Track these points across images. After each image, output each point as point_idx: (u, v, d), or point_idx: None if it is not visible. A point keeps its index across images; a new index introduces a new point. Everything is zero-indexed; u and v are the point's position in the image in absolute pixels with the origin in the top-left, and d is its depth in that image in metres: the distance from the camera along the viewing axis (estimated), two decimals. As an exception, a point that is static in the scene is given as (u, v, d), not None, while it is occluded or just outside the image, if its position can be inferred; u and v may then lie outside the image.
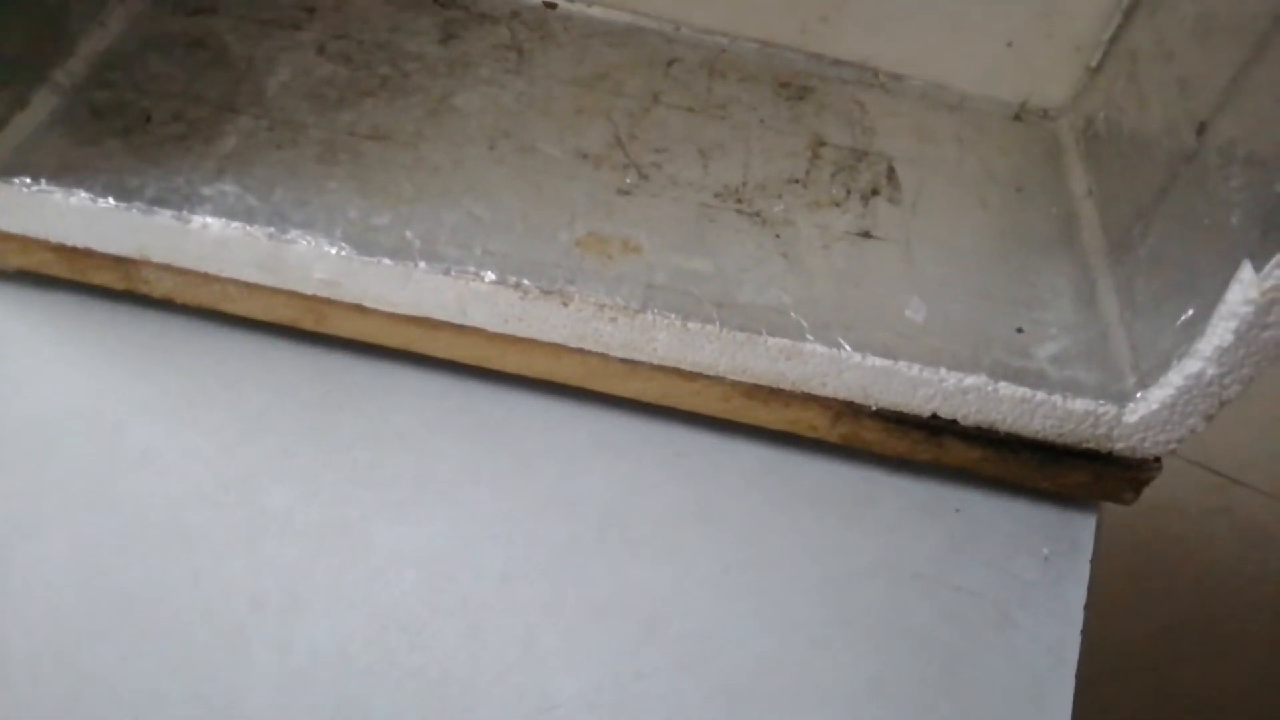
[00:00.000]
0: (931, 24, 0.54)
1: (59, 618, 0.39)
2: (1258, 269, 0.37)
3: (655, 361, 0.44)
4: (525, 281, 0.43)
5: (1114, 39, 0.52)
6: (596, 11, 0.56)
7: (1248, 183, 0.39)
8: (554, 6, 0.56)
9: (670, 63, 0.54)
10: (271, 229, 0.42)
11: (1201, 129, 0.43)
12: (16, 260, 0.46)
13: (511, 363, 0.46)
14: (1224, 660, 1.08)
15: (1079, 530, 0.48)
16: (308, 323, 0.46)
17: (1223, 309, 0.39)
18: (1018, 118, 0.56)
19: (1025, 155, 0.54)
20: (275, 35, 0.51)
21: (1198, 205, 0.42)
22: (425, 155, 0.47)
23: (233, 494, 0.43)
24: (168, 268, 0.44)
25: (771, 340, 0.43)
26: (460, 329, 0.44)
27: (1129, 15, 0.51)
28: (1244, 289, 0.38)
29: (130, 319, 0.47)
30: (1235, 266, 0.38)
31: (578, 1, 0.56)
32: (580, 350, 0.44)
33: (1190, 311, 0.41)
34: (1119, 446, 0.44)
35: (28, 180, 0.43)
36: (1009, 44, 0.54)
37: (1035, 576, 0.46)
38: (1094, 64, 0.54)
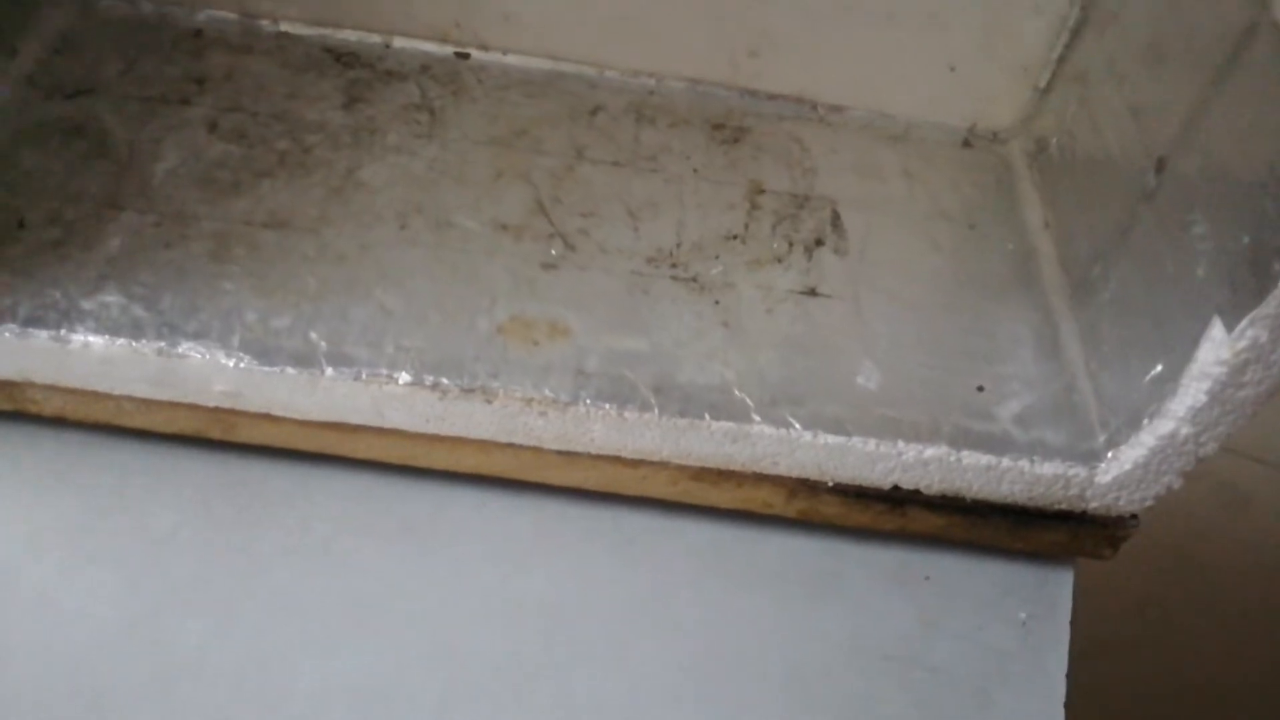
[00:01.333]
0: (869, 51, 0.51)
1: (-48, 796, 0.35)
2: (1229, 327, 0.34)
3: (593, 451, 0.41)
4: (443, 380, 0.39)
5: (1062, 59, 0.49)
6: (513, 60, 0.52)
7: (1213, 231, 0.36)
8: (466, 56, 0.52)
9: (594, 111, 0.51)
10: (161, 343, 0.39)
11: (1161, 166, 0.40)
12: (-113, 388, 0.42)
13: (438, 459, 0.42)
14: (1207, 624, 1.07)
15: (1056, 588, 0.45)
16: (215, 433, 0.42)
17: (1194, 369, 0.36)
18: (967, 144, 0.53)
19: (977, 186, 0.50)
20: (161, 114, 0.47)
21: (1161, 251, 0.39)
22: (329, 242, 0.43)
23: (141, 635, 0.39)
24: (54, 387, 0.40)
25: (716, 424, 0.40)
26: (379, 431, 0.41)
27: (1076, 34, 0.48)
28: (1215, 348, 0.35)
29: (21, 439, 0.43)
30: (1204, 321, 0.35)
31: (492, 50, 0.52)
32: (511, 445, 0.41)
33: (1159, 367, 0.38)
34: (1093, 506, 0.41)
35: (-114, 307, 0.39)
36: (952, 68, 0.51)
37: (1013, 646, 0.43)
38: (1043, 84, 0.51)
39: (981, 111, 0.52)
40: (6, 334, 0.38)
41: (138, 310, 0.40)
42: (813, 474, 0.41)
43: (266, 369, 0.39)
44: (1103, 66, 0.46)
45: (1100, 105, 0.45)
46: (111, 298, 0.40)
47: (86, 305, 0.40)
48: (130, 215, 0.43)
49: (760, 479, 0.41)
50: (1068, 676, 0.43)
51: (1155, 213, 0.40)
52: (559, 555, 0.43)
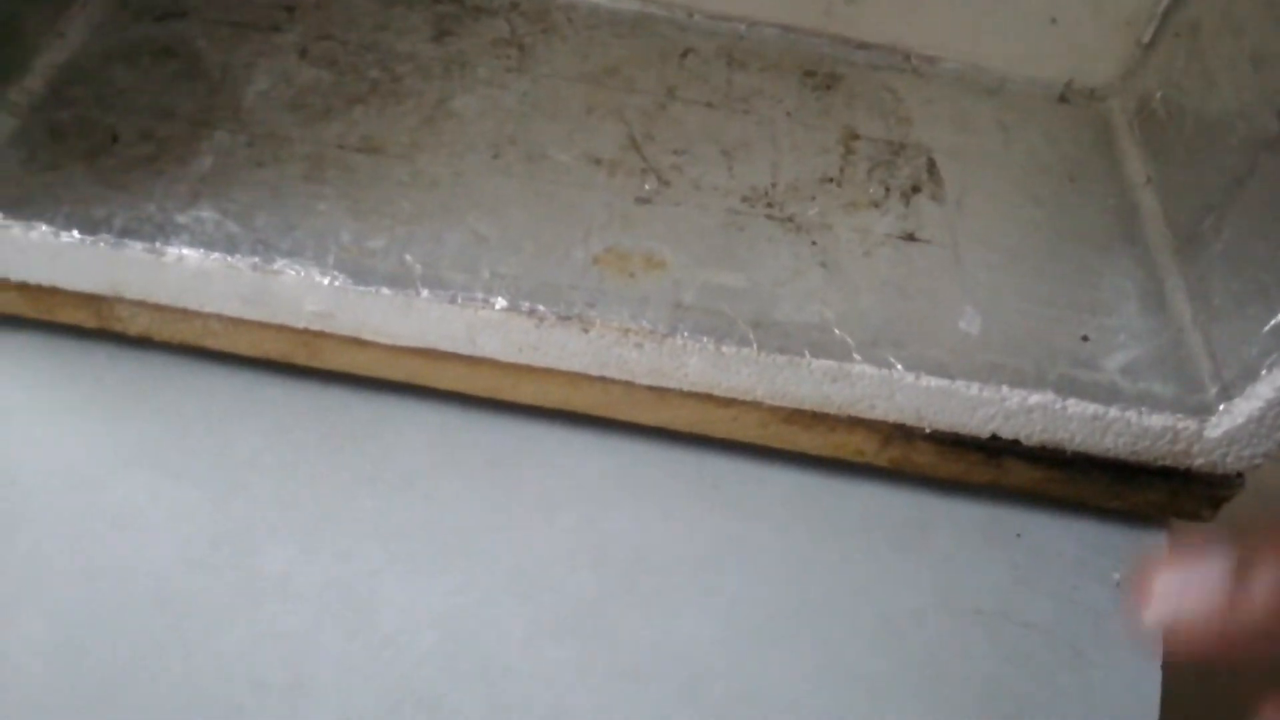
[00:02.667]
0: (967, 2, 0.50)
1: (35, 703, 0.35)
2: (1365, 270, 0.33)
3: (685, 388, 0.40)
4: (540, 307, 0.38)
5: (1169, 12, 0.48)
6: (601, 0, 0.51)
7: (1349, 172, 0.35)
8: (555, -5, 0.51)
9: (684, 53, 0.50)
10: (256, 259, 0.38)
11: (1286, 111, 0.39)
12: (-25, 300, 0.41)
13: (526, 393, 0.41)
14: None
15: (1151, 550, 0.44)
16: (300, 357, 0.41)
17: (1323, 315, 0.34)
18: (1063, 99, 0.51)
19: (1075, 141, 0.49)
20: (252, 39, 0.46)
21: (1285, 197, 0.38)
22: (423, 168, 0.43)
23: (225, 554, 0.38)
24: (143, 304, 0.40)
25: (816, 363, 0.39)
26: (469, 359, 0.40)
27: (1187, -15, 0.47)
28: (1350, 293, 0.34)
29: (105, 359, 0.43)
30: (1336, 267, 0.34)
31: (581, -11, 0.51)
32: (602, 379, 0.40)
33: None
34: (1198, 463, 0.40)
35: (-19, 214, 0.38)
36: (1053, 20, 0.49)
37: (1107, 606, 0.42)
38: (1146, 39, 0.49)
39: (1079, 67, 0.51)
40: (101, 244, 0.38)
41: (232, 226, 0.39)
42: (910, 419, 0.40)
43: (362, 288, 0.38)
44: (1217, 18, 0.44)
45: (1215, 57, 0.44)
46: (206, 213, 0.40)
47: (181, 219, 0.39)
48: (222, 135, 0.42)
49: (854, 424, 0.40)
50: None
51: (1277, 160, 0.39)
52: (643, 497, 0.42)
